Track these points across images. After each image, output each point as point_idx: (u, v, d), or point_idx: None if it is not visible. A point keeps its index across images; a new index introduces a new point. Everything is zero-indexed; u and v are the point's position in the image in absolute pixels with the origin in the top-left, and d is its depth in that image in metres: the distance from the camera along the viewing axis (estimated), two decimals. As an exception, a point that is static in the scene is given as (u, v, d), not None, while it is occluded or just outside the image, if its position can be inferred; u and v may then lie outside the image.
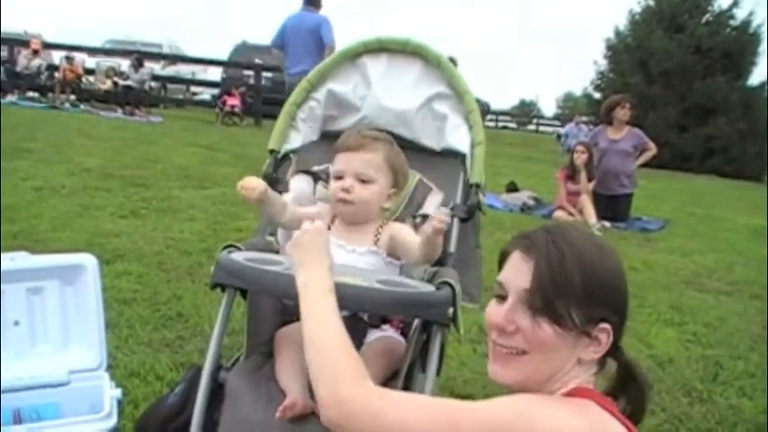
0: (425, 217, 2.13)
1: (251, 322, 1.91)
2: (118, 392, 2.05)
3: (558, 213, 8.35)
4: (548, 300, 1.33)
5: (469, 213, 2.22)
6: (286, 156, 2.44)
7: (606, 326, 1.37)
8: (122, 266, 4.29)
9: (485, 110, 15.58)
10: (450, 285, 1.74)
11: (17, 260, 2.12)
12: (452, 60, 11.01)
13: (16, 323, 2.11)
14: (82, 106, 17.10)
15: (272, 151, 2.40)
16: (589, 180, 8.31)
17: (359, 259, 2.02)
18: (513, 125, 45.98)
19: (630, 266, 5.96)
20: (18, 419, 1.99)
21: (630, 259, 6.27)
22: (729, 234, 8.47)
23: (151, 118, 16.49)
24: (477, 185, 2.24)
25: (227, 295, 1.84)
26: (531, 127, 46.34)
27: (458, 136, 2.36)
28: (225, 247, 1.87)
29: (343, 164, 2.09)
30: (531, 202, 9.04)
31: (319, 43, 8.67)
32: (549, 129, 41.10)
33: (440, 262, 2.15)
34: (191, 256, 4.73)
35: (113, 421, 1.95)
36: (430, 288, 1.73)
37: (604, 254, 1.39)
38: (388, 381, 1.84)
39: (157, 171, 8.12)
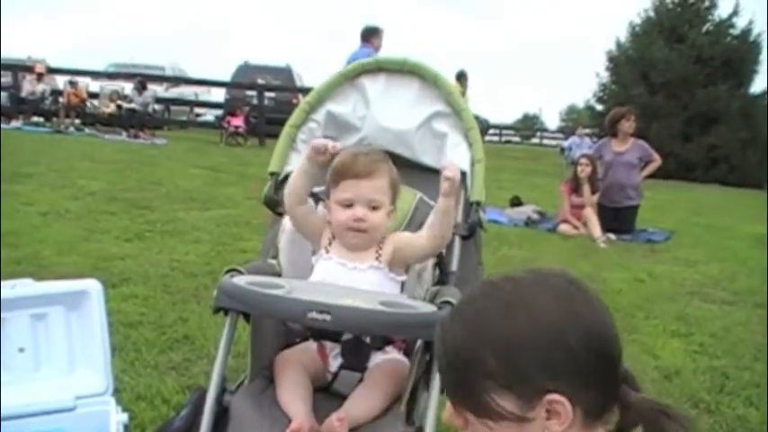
0: None
1: (254, 345, 1.93)
2: (124, 417, 2.06)
3: (563, 227, 8.34)
4: (456, 388, 1.10)
5: (471, 231, 2.24)
6: (287, 177, 2.43)
7: (555, 397, 1.05)
8: (128, 290, 4.30)
9: (484, 127, 15.54)
10: (452, 305, 1.75)
11: (19, 288, 2.13)
12: (463, 75, 10.97)
13: (21, 350, 2.12)
14: (86, 130, 17.22)
15: (272, 174, 2.42)
16: (593, 193, 8.32)
17: (361, 277, 2.03)
18: (516, 139, 46.02)
19: (636, 278, 5.97)
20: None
21: (636, 271, 6.28)
22: (733, 243, 8.46)
23: (155, 140, 16.57)
24: (478, 203, 2.26)
25: (229, 319, 1.85)
26: (535, 140, 46.42)
27: (457, 154, 2.37)
28: (227, 271, 1.89)
29: (352, 192, 2.08)
30: (536, 216, 9.04)
31: None
32: (553, 142, 41.19)
33: (441, 281, 2.16)
34: (196, 279, 4.74)
35: (120, 447, 1.96)
36: (431, 308, 1.74)
37: (518, 310, 1.07)
38: (392, 403, 1.85)
39: (161, 193, 8.16)
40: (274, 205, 2.36)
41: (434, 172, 2.44)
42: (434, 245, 2.06)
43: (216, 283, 4.61)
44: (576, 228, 8.24)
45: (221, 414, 1.82)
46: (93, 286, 2.20)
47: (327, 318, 1.58)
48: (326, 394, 1.95)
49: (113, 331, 3.61)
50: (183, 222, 6.60)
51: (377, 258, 2.08)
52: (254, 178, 10.02)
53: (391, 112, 2.45)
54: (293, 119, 2.47)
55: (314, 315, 1.59)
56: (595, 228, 7.98)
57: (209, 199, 8.14)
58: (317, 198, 2.36)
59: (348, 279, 2.01)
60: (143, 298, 4.19)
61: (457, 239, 2.21)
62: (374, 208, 2.06)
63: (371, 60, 2.52)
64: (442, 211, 1.99)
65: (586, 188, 8.28)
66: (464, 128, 2.39)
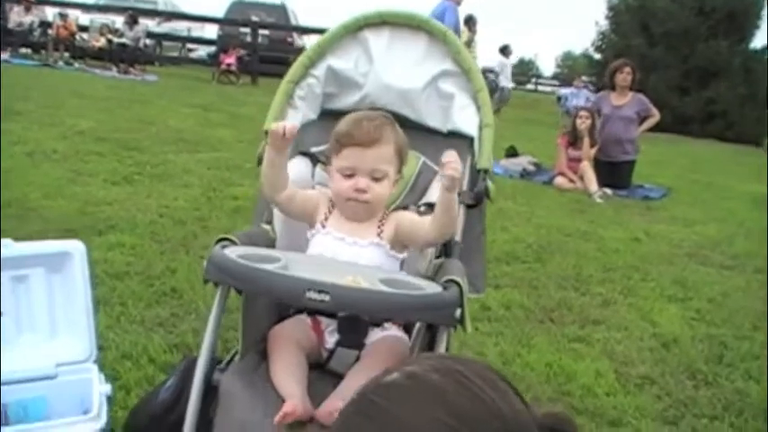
0: (431, 206, 2.01)
1: (246, 319, 1.80)
2: (107, 388, 1.96)
3: (559, 180, 8.24)
4: None
5: (477, 200, 2.11)
6: None
7: None
8: (115, 238, 4.18)
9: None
10: (458, 284, 1.64)
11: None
12: (471, 19, 10.80)
13: (1, 314, 2.00)
14: (76, 64, 16.85)
15: (267, 132, 2.26)
16: (591, 146, 8.19)
17: (360, 252, 1.91)
18: (511, 84, 45.47)
19: (633, 237, 5.90)
20: (5, 419, 1.90)
21: (633, 229, 6.20)
22: (730, 203, 8.38)
23: (146, 76, 16.27)
24: (486, 171, 2.12)
25: (219, 292, 1.74)
26: (530, 86, 45.97)
27: (465, 117, 2.23)
28: (219, 240, 1.76)
29: (354, 160, 1.93)
30: (532, 168, 8.92)
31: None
32: (548, 88, 40.81)
33: (444, 252, 2.06)
34: (185, 226, 4.63)
35: (102, 421, 1.86)
36: (436, 288, 1.62)
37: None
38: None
39: (151, 134, 7.99)
40: (269, 165, 2.23)
41: (438, 134, 2.31)
42: (438, 236, 1.92)
43: (206, 232, 4.54)
44: (572, 181, 8.14)
45: (210, 391, 1.72)
46: (76, 247, 2.08)
47: (326, 298, 1.47)
48: (322, 373, 1.85)
49: (99, 282, 3.53)
50: (172, 165, 6.45)
51: (378, 235, 1.95)
52: (247, 119, 9.85)
53: (396, 68, 2.29)
54: (291, 74, 2.30)
55: (312, 295, 1.47)
56: (592, 182, 7.88)
57: (200, 140, 7.97)
58: (315, 159, 2.23)
59: (347, 255, 1.89)
60: (130, 247, 4.07)
61: (462, 208, 2.08)
62: (377, 178, 1.93)
63: (374, 13, 2.35)
64: (444, 205, 1.84)
65: (585, 141, 8.14)
66: (472, 89, 2.24)
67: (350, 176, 1.93)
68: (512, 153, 9.36)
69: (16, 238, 2.15)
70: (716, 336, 3.78)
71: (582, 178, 8.05)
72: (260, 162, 2.18)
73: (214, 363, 1.77)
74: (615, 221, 6.52)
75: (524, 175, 8.62)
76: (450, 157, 1.76)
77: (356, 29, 2.34)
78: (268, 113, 2.28)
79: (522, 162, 9.04)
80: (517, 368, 3.10)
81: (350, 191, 1.92)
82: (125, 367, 2.68)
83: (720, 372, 3.33)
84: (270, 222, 2.13)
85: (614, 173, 8.35)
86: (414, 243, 2.00)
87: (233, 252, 1.63)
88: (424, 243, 2.00)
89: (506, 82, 20.05)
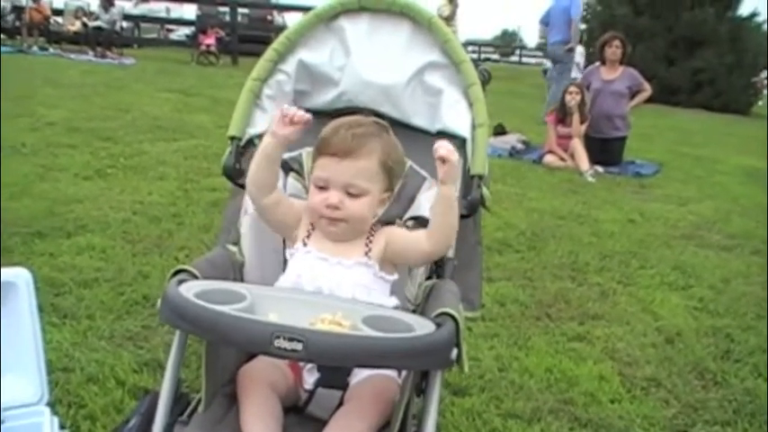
0: (419, 220, 1.77)
1: (210, 357, 1.55)
2: (60, 434, 1.73)
3: (549, 158, 8.04)
4: None
5: (471, 210, 1.87)
6: (250, 142, 2.01)
7: None
8: (84, 240, 3.94)
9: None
10: (453, 317, 1.41)
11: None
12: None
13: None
14: (51, 49, 16.46)
15: (232, 138, 2.01)
16: (582, 122, 7.96)
17: (345, 274, 1.66)
18: (495, 56, 45.17)
19: (628, 219, 5.73)
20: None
21: (628, 210, 6.03)
22: (723, 177, 8.25)
23: (123, 60, 15.90)
24: (480, 177, 1.88)
25: (178, 336, 1.51)
26: (515, 58, 45.63)
27: (455, 115, 1.97)
28: (176, 273, 1.51)
29: (328, 172, 1.68)
30: (520, 146, 8.73)
31: (570, 19, 11.40)
32: (533, 60, 40.52)
33: (436, 272, 1.83)
34: (159, 224, 4.39)
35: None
36: (429, 327, 1.39)
37: None
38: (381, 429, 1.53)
39: (127, 122, 7.73)
40: (236, 176, 1.98)
41: (425, 134, 2.07)
42: (437, 249, 1.68)
43: (181, 229, 4.30)
44: (562, 159, 7.94)
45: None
46: (20, 276, 1.83)
47: (298, 347, 1.24)
48: (300, 418, 1.62)
49: (66, 292, 3.30)
50: (147, 156, 6.20)
51: (366, 253, 1.71)
52: (227, 103, 9.49)
53: (376, 61, 2.04)
54: (257, 71, 2.04)
55: (281, 343, 1.24)
56: (583, 160, 7.67)
57: (177, 128, 7.71)
58: (287, 167, 1.97)
59: (330, 277, 1.65)
60: (100, 250, 3.84)
61: (454, 217, 1.83)
62: (353, 194, 1.68)
63: (352, -3, 2.09)
64: (442, 205, 1.61)
65: (575, 117, 7.91)
66: (463, 83, 1.99)
67: (323, 189, 1.70)
68: (500, 131, 9.14)
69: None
70: (721, 328, 3.60)
71: (572, 156, 7.85)
72: (225, 173, 1.95)
73: (175, 414, 1.54)
74: (609, 201, 6.33)
75: (513, 153, 8.41)
76: (443, 144, 1.55)
77: (331, 17, 2.08)
78: (232, 117, 2.03)
79: (511, 140, 8.83)
80: (515, 375, 2.90)
81: (321, 206, 1.68)
82: (90, 393, 2.45)
83: (728, 369, 3.15)
84: (237, 243, 1.89)
85: (605, 149, 8.16)
86: (408, 261, 1.78)
87: (189, 290, 1.39)
88: (420, 260, 1.77)
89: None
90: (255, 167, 1.72)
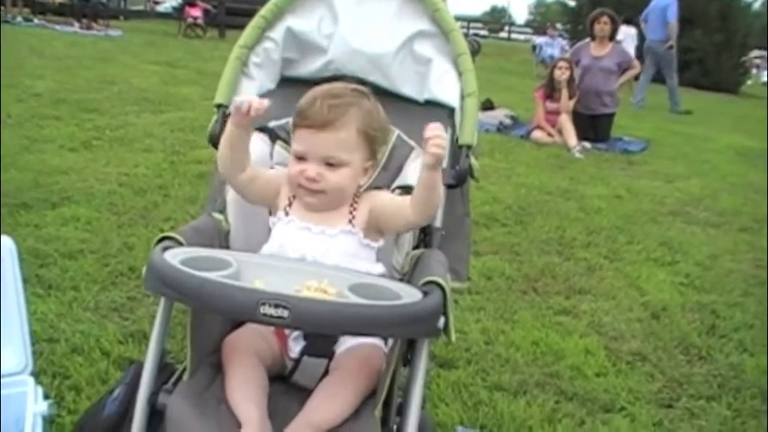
0: (407, 189, 1.75)
1: (195, 326, 1.53)
2: (43, 407, 1.70)
3: (536, 134, 8.00)
4: None
5: (459, 180, 1.85)
6: None
7: None
8: (70, 211, 3.91)
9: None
10: (440, 286, 1.40)
11: None
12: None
13: None
14: (36, 20, 16.23)
15: (219, 106, 1.97)
16: (570, 98, 7.93)
17: (329, 243, 1.64)
18: (484, 32, 45.12)
19: (615, 195, 5.73)
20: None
21: (615, 186, 6.04)
22: (713, 156, 8.25)
23: (110, 32, 15.74)
24: (468, 147, 1.86)
25: (163, 303, 1.49)
26: (503, 34, 45.58)
27: (445, 84, 1.95)
28: (160, 240, 1.49)
29: (304, 144, 1.65)
30: (508, 121, 8.70)
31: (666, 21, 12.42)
32: (522, 36, 40.52)
33: (423, 241, 1.81)
34: (145, 195, 4.36)
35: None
36: (416, 295, 1.38)
37: None
38: (366, 398, 1.52)
39: (113, 93, 7.66)
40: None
41: (414, 103, 2.05)
42: (420, 218, 1.66)
43: (167, 201, 4.26)
44: (550, 135, 7.92)
45: (157, 415, 1.48)
46: (4, 244, 1.81)
47: (284, 314, 1.22)
48: (286, 386, 1.60)
49: (51, 263, 3.28)
50: (133, 128, 6.14)
51: (350, 221, 1.69)
52: (213, 76, 9.38)
53: (365, 29, 2.01)
54: (244, 38, 2.00)
55: (267, 310, 1.23)
56: (571, 136, 7.66)
57: (163, 100, 7.65)
58: (274, 135, 1.95)
59: (314, 246, 1.63)
60: (85, 221, 3.80)
61: (442, 189, 1.81)
62: (332, 165, 1.66)
63: (341, -35, 2.05)
64: (426, 186, 1.58)
65: (564, 93, 7.88)
66: (453, 53, 1.96)
67: (301, 160, 1.67)
68: (488, 106, 9.09)
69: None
70: (706, 304, 3.61)
71: (560, 132, 7.82)
72: (211, 141, 1.92)
73: (159, 383, 1.52)
74: (596, 177, 6.33)
75: (501, 128, 8.38)
76: (435, 131, 1.51)
77: None
78: (219, 84, 2.00)
79: (499, 115, 8.80)
80: (501, 348, 2.91)
81: (299, 177, 1.66)
82: (75, 364, 2.44)
83: (714, 344, 3.17)
84: (222, 211, 1.87)
85: (593, 126, 8.16)
86: (391, 227, 1.75)
87: (175, 257, 1.37)
88: (403, 227, 1.75)
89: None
90: (222, 153, 1.70)
